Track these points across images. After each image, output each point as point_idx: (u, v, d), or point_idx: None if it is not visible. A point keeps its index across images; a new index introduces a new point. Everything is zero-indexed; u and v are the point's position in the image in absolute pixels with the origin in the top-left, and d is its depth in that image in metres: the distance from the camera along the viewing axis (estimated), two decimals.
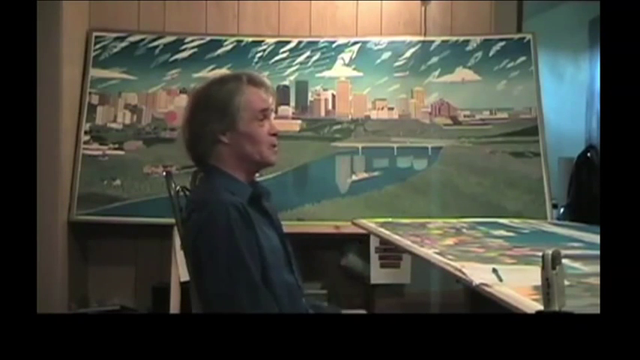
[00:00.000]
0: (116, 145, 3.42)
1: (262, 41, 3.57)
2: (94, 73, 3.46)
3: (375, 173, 3.43)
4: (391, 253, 3.22)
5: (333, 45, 3.58)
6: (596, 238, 2.15)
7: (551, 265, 1.16)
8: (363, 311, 3.26)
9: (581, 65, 4.94)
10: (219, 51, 3.54)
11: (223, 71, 3.33)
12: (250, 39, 3.58)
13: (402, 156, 3.46)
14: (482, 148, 3.47)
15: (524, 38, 3.59)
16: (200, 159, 1.80)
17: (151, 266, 3.42)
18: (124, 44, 3.51)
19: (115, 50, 3.49)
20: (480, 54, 3.56)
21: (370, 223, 2.55)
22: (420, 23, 3.68)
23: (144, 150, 3.43)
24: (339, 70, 3.55)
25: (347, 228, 2.89)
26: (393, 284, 3.36)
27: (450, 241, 2.26)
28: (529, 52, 3.54)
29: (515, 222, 2.90)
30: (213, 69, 3.45)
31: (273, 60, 3.54)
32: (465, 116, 3.52)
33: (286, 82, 3.52)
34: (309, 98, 3.53)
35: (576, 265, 1.71)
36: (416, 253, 2.11)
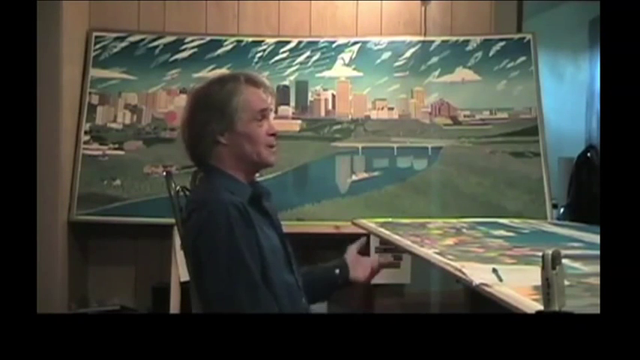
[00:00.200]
0: (116, 145, 3.42)
1: (262, 41, 3.57)
2: (94, 73, 3.46)
3: (375, 173, 3.43)
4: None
5: (333, 45, 3.58)
6: (596, 238, 2.15)
7: (551, 265, 1.16)
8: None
9: (581, 65, 4.95)
10: (219, 51, 3.54)
11: (222, 71, 3.33)
12: (250, 39, 3.58)
13: (402, 156, 3.46)
14: (482, 148, 3.47)
15: (524, 38, 3.59)
16: (199, 159, 1.80)
17: (151, 266, 3.42)
18: (124, 44, 3.51)
19: (115, 50, 3.50)
20: (479, 54, 3.56)
21: (370, 223, 2.55)
22: (420, 23, 3.68)
23: (144, 150, 3.43)
24: (339, 70, 3.55)
25: (347, 228, 2.89)
26: (393, 284, 3.36)
27: (450, 241, 2.26)
28: (529, 52, 3.54)
29: (515, 222, 2.89)
30: (213, 69, 3.45)
31: (273, 60, 3.54)
32: (465, 116, 3.52)
33: (286, 82, 3.52)
34: (309, 98, 3.53)
35: (576, 265, 1.71)
36: (416, 253, 2.11)
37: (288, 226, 2.01)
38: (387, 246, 3.02)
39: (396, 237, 2.27)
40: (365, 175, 3.43)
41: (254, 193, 1.75)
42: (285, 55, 3.56)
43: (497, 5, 3.71)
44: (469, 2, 3.70)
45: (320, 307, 1.91)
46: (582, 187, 4.45)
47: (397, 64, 3.55)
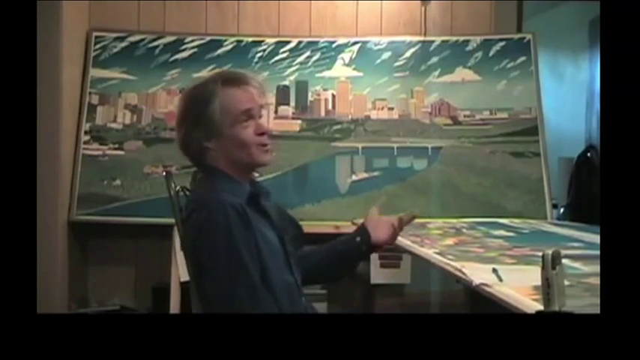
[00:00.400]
0: (116, 145, 3.42)
1: (262, 41, 3.57)
2: (94, 73, 3.46)
3: (375, 173, 3.43)
4: (391, 253, 3.22)
5: (333, 45, 3.58)
6: (596, 238, 2.16)
7: (551, 265, 1.16)
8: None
9: (581, 65, 4.95)
10: (219, 51, 3.54)
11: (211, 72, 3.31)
12: (250, 39, 3.58)
13: (402, 156, 3.46)
14: (482, 148, 3.47)
15: (524, 38, 3.59)
16: (195, 162, 1.80)
17: (151, 266, 3.42)
18: (124, 44, 3.51)
19: (115, 50, 3.50)
20: (479, 54, 3.56)
21: None
22: (420, 23, 3.68)
23: (144, 150, 3.43)
24: (339, 70, 3.55)
25: (347, 228, 2.88)
26: (393, 284, 3.36)
27: (450, 241, 2.26)
28: (529, 52, 3.54)
29: (515, 222, 2.90)
30: (213, 69, 3.45)
31: (273, 60, 3.54)
32: (465, 116, 3.52)
33: (286, 82, 3.52)
34: (309, 98, 3.53)
35: (576, 265, 1.71)
36: (416, 253, 2.12)
37: None
38: (387, 246, 3.02)
39: None
40: (365, 175, 3.43)
41: (252, 193, 1.75)
42: (285, 55, 3.56)
43: (497, 5, 3.71)
44: (469, 2, 3.70)
45: (320, 308, 1.89)
46: (582, 187, 4.45)
47: (397, 64, 3.56)
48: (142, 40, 3.53)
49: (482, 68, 3.55)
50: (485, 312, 1.29)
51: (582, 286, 1.47)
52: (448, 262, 1.80)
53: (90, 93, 3.43)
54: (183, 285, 3.00)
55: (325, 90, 3.54)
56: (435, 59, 3.56)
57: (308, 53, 3.56)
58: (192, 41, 3.54)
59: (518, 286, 1.43)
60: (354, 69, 3.56)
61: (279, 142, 3.40)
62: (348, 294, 3.48)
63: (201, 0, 3.61)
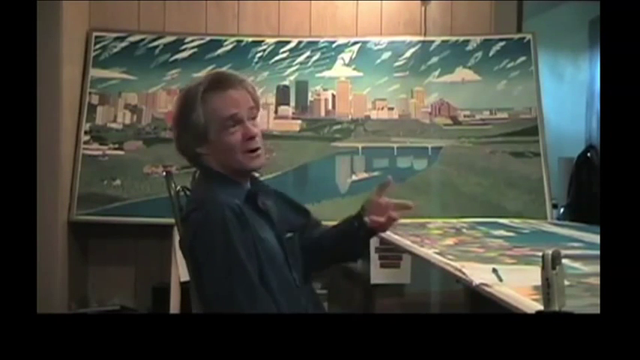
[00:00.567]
0: (116, 145, 3.42)
1: (262, 41, 3.57)
2: (94, 73, 3.46)
3: (375, 173, 3.42)
4: (391, 253, 3.22)
5: (333, 45, 3.58)
6: (596, 238, 2.16)
7: (551, 265, 1.16)
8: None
9: (581, 65, 4.94)
10: (219, 51, 3.54)
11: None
12: (250, 39, 3.58)
13: (402, 156, 3.46)
14: (482, 148, 3.47)
15: (524, 38, 3.59)
16: (191, 163, 1.80)
17: (151, 266, 3.42)
18: (124, 44, 3.51)
19: (115, 50, 3.50)
20: (480, 54, 3.56)
21: None
22: (420, 23, 3.68)
23: (144, 150, 3.43)
24: (339, 70, 3.55)
25: None
26: (393, 284, 3.36)
27: (450, 241, 2.26)
28: (529, 52, 3.54)
29: (515, 222, 2.90)
30: (213, 69, 3.44)
31: (273, 60, 3.54)
32: (465, 116, 3.52)
33: (286, 82, 3.52)
34: (309, 98, 3.53)
35: (576, 265, 1.71)
36: (416, 253, 2.12)
37: None
38: (387, 246, 3.03)
39: (396, 237, 2.28)
40: (365, 175, 3.43)
41: (250, 192, 1.74)
42: (285, 55, 3.56)
43: (497, 5, 3.71)
44: (469, 2, 3.70)
45: (320, 308, 1.88)
46: (582, 187, 4.45)
47: (397, 64, 3.56)
48: (142, 40, 3.53)
49: (482, 68, 3.55)
50: (485, 312, 1.29)
51: (582, 286, 1.47)
52: (448, 262, 1.80)
53: (90, 93, 3.43)
54: (183, 285, 3.00)
55: (325, 90, 3.54)
56: (435, 59, 3.56)
57: (308, 53, 3.56)
58: (192, 41, 3.54)
59: (518, 286, 1.43)
60: (354, 69, 3.56)
61: (279, 142, 3.41)
62: (348, 294, 3.48)
63: (201, 0, 3.61)
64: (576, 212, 4.34)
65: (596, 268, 1.61)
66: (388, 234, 2.21)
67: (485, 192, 3.39)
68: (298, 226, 1.88)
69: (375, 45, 3.59)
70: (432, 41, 3.59)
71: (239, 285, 1.58)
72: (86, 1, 3.51)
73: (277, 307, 1.62)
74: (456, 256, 1.90)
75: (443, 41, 3.59)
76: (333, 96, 3.54)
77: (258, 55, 3.55)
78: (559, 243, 2.19)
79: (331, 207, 3.35)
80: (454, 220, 2.91)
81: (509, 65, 3.53)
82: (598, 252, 1.74)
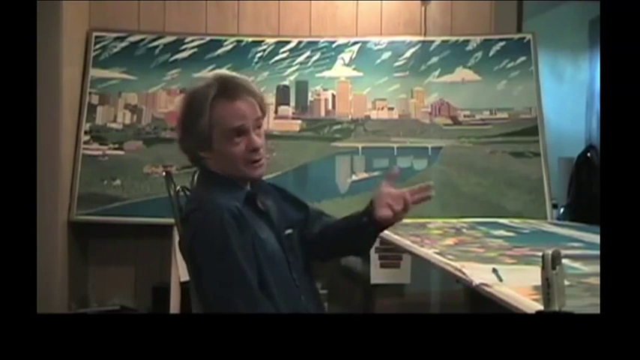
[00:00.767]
0: (116, 145, 3.42)
1: (262, 41, 3.57)
2: (94, 73, 3.46)
3: (375, 173, 3.42)
4: (391, 253, 3.22)
5: (333, 45, 3.58)
6: (596, 238, 2.16)
7: (551, 265, 1.16)
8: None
9: (581, 65, 4.94)
10: (219, 51, 3.54)
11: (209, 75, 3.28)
12: (250, 39, 3.58)
13: (402, 156, 3.46)
14: (482, 148, 3.47)
15: (524, 38, 3.59)
16: (193, 163, 1.79)
17: (151, 266, 3.42)
18: (124, 44, 3.51)
19: (115, 50, 3.50)
20: (480, 54, 3.56)
21: None
22: (420, 23, 3.68)
23: (144, 150, 3.43)
24: (339, 70, 3.55)
25: None
26: (393, 284, 3.36)
27: (450, 241, 2.26)
28: (529, 52, 3.54)
29: (515, 222, 2.90)
30: (213, 69, 3.45)
31: (273, 60, 3.54)
32: (465, 116, 3.52)
33: (286, 82, 3.52)
34: (309, 98, 3.53)
35: (576, 265, 1.71)
36: (416, 253, 2.12)
37: None
38: (387, 246, 3.03)
39: (396, 237, 2.28)
40: (365, 175, 3.43)
41: (250, 194, 1.74)
42: (285, 55, 3.56)
43: (497, 5, 3.71)
44: (469, 2, 3.70)
45: (320, 307, 1.88)
46: (582, 187, 4.45)
47: (397, 64, 3.56)
48: (142, 40, 3.53)
49: (482, 68, 3.55)
50: (485, 312, 1.29)
51: (582, 286, 1.47)
52: (448, 262, 1.80)
53: (90, 93, 3.43)
54: (183, 285, 3.00)
55: (325, 90, 3.54)
56: (435, 59, 3.56)
57: (308, 53, 3.56)
58: (192, 41, 3.54)
59: (518, 286, 1.43)
60: (354, 69, 3.56)
61: (279, 142, 3.41)
62: (348, 294, 3.48)
63: (201, 0, 3.61)
64: (576, 212, 4.33)
65: (596, 268, 1.61)
66: (388, 234, 2.22)
67: (485, 192, 3.39)
68: (297, 221, 1.87)
69: (375, 45, 3.59)
70: (432, 41, 3.59)
71: (237, 289, 1.58)
72: (86, 1, 3.51)
73: (276, 308, 1.62)
74: (456, 256, 1.90)
75: (443, 41, 3.59)
76: (333, 96, 3.54)
77: (258, 55, 3.55)
78: (559, 243, 2.19)
79: (331, 207, 3.33)
80: (454, 220, 2.91)
81: (509, 65, 3.53)
82: (598, 252, 1.74)
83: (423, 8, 3.68)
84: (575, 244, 2.15)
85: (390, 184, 1.83)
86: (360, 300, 3.45)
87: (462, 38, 3.60)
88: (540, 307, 1.20)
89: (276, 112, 3.49)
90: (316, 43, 3.58)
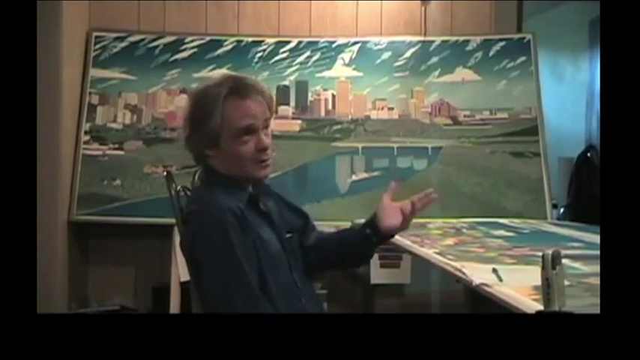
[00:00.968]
0: (116, 145, 3.42)
1: (262, 41, 3.57)
2: (94, 73, 3.46)
3: (375, 173, 3.42)
4: (391, 253, 3.22)
5: (333, 45, 3.58)
6: (596, 238, 2.16)
7: (551, 265, 1.16)
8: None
9: (581, 65, 4.94)
10: (219, 51, 3.54)
11: (219, 73, 3.29)
12: (250, 39, 3.58)
13: (402, 156, 3.46)
14: (482, 148, 3.47)
15: (524, 38, 3.59)
16: (197, 162, 1.79)
17: (151, 266, 3.42)
18: (124, 44, 3.51)
19: (115, 50, 3.50)
20: (479, 54, 3.56)
21: None
22: (420, 23, 3.68)
23: (144, 150, 3.43)
24: (339, 70, 3.55)
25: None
26: (393, 284, 3.36)
27: (450, 241, 2.27)
28: (529, 52, 3.54)
29: (515, 222, 2.90)
30: (213, 69, 3.45)
31: (273, 60, 3.54)
32: (465, 116, 3.52)
33: (286, 82, 3.52)
34: (309, 98, 3.53)
35: (576, 265, 1.71)
36: (416, 253, 2.12)
37: None
38: (387, 246, 3.03)
39: (396, 237, 2.27)
40: (365, 175, 3.43)
41: (252, 195, 1.74)
42: (285, 55, 3.56)
43: (497, 5, 3.71)
44: (469, 2, 3.70)
45: (320, 310, 1.88)
46: (582, 187, 4.45)
47: (397, 64, 3.56)
48: (142, 40, 3.53)
49: (482, 68, 3.55)
50: (485, 312, 1.29)
51: (582, 286, 1.47)
52: (448, 262, 1.80)
53: (90, 93, 3.43)
54: (183, 285, 3.00)
55: (325, 90, 3.54)
56: (435, 59, 3.56)
57: (308, 53, 3.56)
58: (192, 41, 3.54)
59: (518, 286, 1.43)
60: (354, 69, 3.56)
61: (279, 142, 3.40)
62: (348, 294, 3.48)
63: (201, 0, 3.61)
64: (576, 212, 4.34)
65: (596, 268, 1.61)
66: None
67: (485, 192, 3.39)
68: (297, 227, 1.87)
69: (375, 45, 3.59)
70: (432, 41, 3.59)
71: (237, 289, 1.58)
72: (86, 1, 3.51)
73: (276, 309, 1.61)
74: (456, 256, 1.90)
75: (443, 41, 3.59)
76: (333, 96, 3.54)
77: (258, 55, 3.55)
78: (559, 243, 2.19)
79: (331, 207, 3.35)
80: (454, 220, 2.91)
81: (509, 65, 3.53)
82: (598, 252, 1.74)
83: (423, 8, 3.68)
84: (575, 244, 2.15)
85: (391, 197, 1.88)
86: (360, 300, 3.45)
87: (462, 38, 3.60)
88: (540, 307, 1.20)
89: (276, 112, 3.49)
90: (316, 43, 3.58)
